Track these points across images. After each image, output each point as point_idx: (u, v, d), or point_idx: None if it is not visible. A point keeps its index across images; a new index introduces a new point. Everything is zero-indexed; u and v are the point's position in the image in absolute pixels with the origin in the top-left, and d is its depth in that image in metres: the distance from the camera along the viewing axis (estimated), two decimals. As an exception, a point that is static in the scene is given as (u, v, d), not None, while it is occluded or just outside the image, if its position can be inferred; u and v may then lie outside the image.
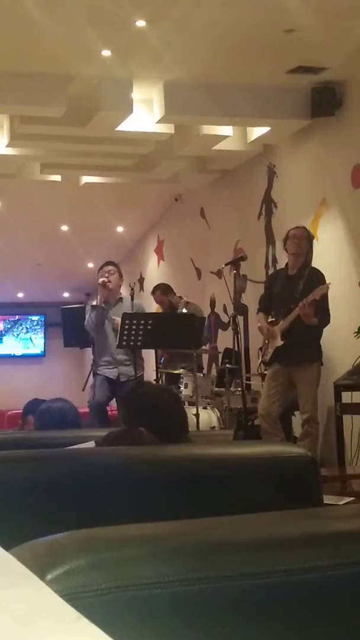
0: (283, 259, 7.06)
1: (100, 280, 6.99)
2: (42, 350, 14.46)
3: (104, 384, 6.98)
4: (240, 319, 7.51)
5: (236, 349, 6.88)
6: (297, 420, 6.65)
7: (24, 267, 12.03)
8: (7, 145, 7.60)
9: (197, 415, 6.51)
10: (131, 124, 7.12)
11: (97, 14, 5.54)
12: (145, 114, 7.16)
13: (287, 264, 6.70)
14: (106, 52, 6.17)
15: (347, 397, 6.29)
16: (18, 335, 14.63)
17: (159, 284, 8.48)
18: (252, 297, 8.49)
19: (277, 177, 8.18)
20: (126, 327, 6.55)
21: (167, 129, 7.45)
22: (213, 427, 6.86)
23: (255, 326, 7.14)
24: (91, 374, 7.35)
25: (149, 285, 11.63)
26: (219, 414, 7.02)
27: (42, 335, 14.47)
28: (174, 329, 6.85)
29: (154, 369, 7.43)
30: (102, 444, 2.47)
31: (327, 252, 7.21)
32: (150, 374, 7.83)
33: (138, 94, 6.88)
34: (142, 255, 11.91)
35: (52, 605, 0.74)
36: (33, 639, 0.66)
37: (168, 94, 6.83)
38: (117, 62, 6.31)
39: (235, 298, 7.15)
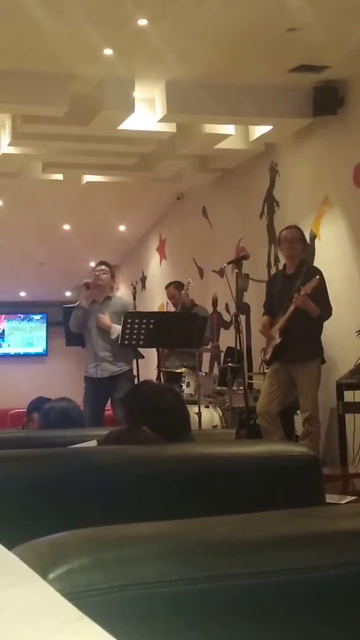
0: (285, 258, 7.05)
1: (84, 280, 7.01)
2: (44, 349, 14.46)
3: (88, 394, 6.96)
4: (242, 317, 7.52)
5: (238, 347, 6.89)
6: (299, 419, 6.65)
7: (26, 266, 12.04)
8: (9, 145, 7.60)
9: (199, 414, 6.52)
10: (133, 123, 7.12)
11: (99, 13, 5.54)
12: (147, 113, 7.16)
13: (284, 264, 6.71)
14: (108, 51, 6.17)
15: (349, 395, 6.29)
16: (20, 334, 14.63)
17: (173, 281, 8.54)
18: (254, 296, 8.49)
19: (279, 175, 8.18)
20: (128, 325, 6.56)
21: (169, 127, 7.45)
22: (215, 426, 6.86)
23: (257, 325, 7.14)
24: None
25: (151, 284, 11.65)
26: (221, 413, 7.02)
27: (45, 334, 14.47)
28: (176, 328, 6.85)
29: (156, 367, 7.43)
30: (103, 443, 2.48)
31: (329, 251, 7.21)
32: (152, 372, 7.84)
33: (140, 92, 6.88)
34: (144, 254, 11.91)
35: (54, 604, 0.74)
36: (35, 638, 0.66)
37: (170, 93, 6.83)
38: (119, 61, 6.31)
39: (238, 297, 7.15)
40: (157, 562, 0.91)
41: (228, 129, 7.66)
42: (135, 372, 7.66)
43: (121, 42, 6.02)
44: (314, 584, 0.93)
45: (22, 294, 13.90)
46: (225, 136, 7.72)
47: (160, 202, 10.58)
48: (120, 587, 0.86)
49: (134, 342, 6.67)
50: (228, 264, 7.28)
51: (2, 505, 1.75)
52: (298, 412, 6.63)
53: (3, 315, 14.47)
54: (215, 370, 8.71)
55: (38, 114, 6.97)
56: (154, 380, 6.87)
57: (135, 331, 6.56)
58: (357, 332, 6.44)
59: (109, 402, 7.03)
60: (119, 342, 6.70)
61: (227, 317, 9.05)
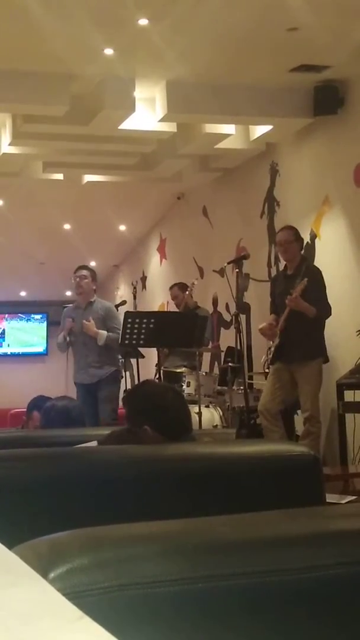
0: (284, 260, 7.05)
1: (68, 327, 6.99)
2: (45, 348, 14.46)
3: (80, 399, 6.98)
4: (242, 317, 7.52)
5: (238, 347, 6.89)
6: (299, 419, 6.65)
7: (26, 266, 12.04)
8: (10, 144, 7.60)
9: (199, 413, 6.52)
10: (133, 123, 7.12)
11: (99, 13, 5.54)
12: (148, 112, 7.16)
13: (285, 264, 6.71)
14: (109, 51, 6.17)
15: (349, 395, 6.29)
16: (21, 334, 14.63)
17: (178, 282, 8.52)
18: (254, 295, 8.49)
19: (279, 175, 8.18)
20: (128, 325, 6.56)
21: (169, 127, 7.45)
22: (215, 426, 6.86)
23: (258, 325, 7.15)
24: None
25: (152, 283, 11.65)
26: (221, 413, 7.02)
27: (45, 334, 14.48)
28: (177, 328, 6.85)
29: (155, 366, 7.43)
30: (104, 443, 2.48)
31: (330, 251, 7.21)
32: (152, 372, 7.84)
33: (140, 92, 6.88)
34: (144, 253, 11.91)
35: (54, 603, 0.74)
36: (36, 638, 0.66)
37: (170, 93, 6.83)
38: (119, 61, 6.31)
39: (238, 297, 7.15)
40: (157, 561, 0.91)
41: (228, 128, 7.66)
42: (135, 372, 7.68)
43: (122, 42, 6.02)
44: (314, 584, 0.93)
45: (23, 293, 13.90)
46: (225, 136, 7.72)
47: (161, 202, 10.58)
48: (120, 587, 0.86)
49: (134, 342, 6.68)
50: (228, 263, 7.28)
51: (2, 505, 1.75)
52: (298, 411, 6.63)
53: (4, 315, 14.47)
54: (216, 370, 8.70)
55: (38, 114, 6.97)
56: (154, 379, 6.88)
57: (135, 331, 6.57)
58: (357, 331, 6.44)
59: None
60: (119, 341, 6.71)
61: (227, 317, 9.05)
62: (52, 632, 0.67)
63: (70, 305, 7.31)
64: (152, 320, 6.63)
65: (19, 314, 14.59)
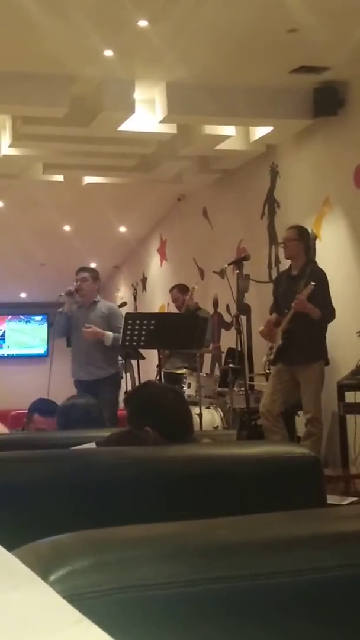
0: (286, 259, 7.05)
1: (67, 288, 7.04)
2: (45, 350, 14.46)
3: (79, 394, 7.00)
4: (243, 318, 7.51)
5: (239, 348, 6.88)
6: (300, 420, 6.65)
7: (27, 268, 12.04)
8: (10, 146, 7.60)
9: (200, 415, 6.51)
10: (133, 124, 7.12)
11: (99, 15, 5.54)
12: (148, 114, 7.16)
13: (290, 264, 6.71)
14: (108, 53, 6.17)
15: (350, 396, 6.28)
16: (21, 335, 14.63)
17: (177, 284, 8.49)
18: (255, 297, 8.48)
19: (279, 176, 8.18)
20: (129, 327, 6.57)
21: (169, 129, 7.45)
22: (216, 427, 6.86)
23: (258, 326, 7.14)
24: None
25: (152, 285, 11.65)
26: (222, 414, 7.02)
27: (45, 335, 14.48)
28: (177, 329, 6.84)
29: (157, 367, 7.43)
30: (105, 445, 2.47)
31: (330, 252, 7.20)
32: (152, 373, 7.84)
33: (140, 94, 6.88)
34: (144, 255, 11.91)
35: (54, 606, 0.74)
36: (36, 641, 0.66)
37: (170, 94, 6.83)
38: (119, 63, 6.31)
39: (238, 298, 7.15)
40: (158, 564, 0.91)
41: (228, 130, 7.66)
42: (135, 374, 7.67)
43: (121, 44, 6.02)
44: (315, 586, 0.93)
45: (23, 295, 13.90)
46: (225, 137, 7.72)
47: (161, 203, 10.58)
48: (121, 589, 0.86)
49: (134, 343, 6.68)
50: (229, 264, 7.28)
51: (3, 507, 1.75)
52: (299, 412, 6.63)
53: (4, 317, 14.47)
54: (217, 371, 8.70)
55: (38, 115, 6.97)
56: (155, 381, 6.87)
57: (136, 332, 6.57)
58: (358, 332, 6.43)
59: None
60: (120, 342, 6.72)
61: (228, 318, 9.05)
62: (52, 635, 0.67)
63: (62, 307, 7.29)
64: (153, 322, 6.63)
65: (19, 316, 14.59)
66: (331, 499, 3.83)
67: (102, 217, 10.25)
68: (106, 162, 8.46)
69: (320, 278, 6.32)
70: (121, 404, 7.22)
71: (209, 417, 6.88)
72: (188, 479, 1.93)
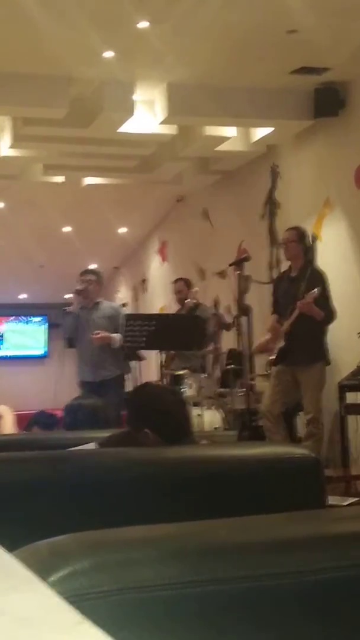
0: (286, 260, 7.05)
1: (76, 288, 7.07)
2: (45, 351, 14.46)
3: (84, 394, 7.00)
4: (244, 319, 7.50)
5: (240, 349, 6.88)
6: (301, 420, 6.65)
7: (26, 269, 12.04)
8: (10, 147, 7.60)
9: (201, 415, 6.51)
10: (133, 125, 7.12)
11: (99, 16, 5.54)
12: (148, 115, 7.16)
13: (290, 266, 6.71)
14: (108, 54, 6.17)
15: (351, 397, 6.28)
16: (20, 336, 14.63)
17: (184, 277, 8.48)
18: (256, 297, 8.48)
19: (280, 177, 8.17)
20: (129, 328, 6.56)
21: (169, 130, 7.45)
22: (217, 428, 6.86)
23: (260, 327, 7.15)
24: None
25: (152, 286, 11.65)
26: (223, 415, 7.02)
27: (45, 336, 14.48)
28: (177, 330, 6.84)
29: (157, 369, 7.42)
30: (105, 446, 2.47)
31: (331, 253, 7.20)
32: (152, 374, 7.83)
33: (140, 95, 6.88)
34: (145, 256, 11.91)
35: (54, 607, 0.74)
36: (35, 642, 0.66)
37: (171, 95, 6.83)
38: (119, 64, 6.31)
39: (239, 299, 7.14)
40: (157, 565, 0.91)
41: (229, 130, 7.66)
42: (137, 375, 7.66)
43: (122, 45, 6.02)
44: (315, 587, 0.93)
45: (23, 296, 13.90)
46: (226, 138, 7.72)
47: (161, 205, 10.58)
48: (120, 590, 0.86)
49: (135, 344, 6.68)
50: (230, 265, 7.29)
51: (2, 508, 1.75)
52: (300, 413, 6.63)
53: (3, 317, 14.47)
54: (217, 372, 8.69)
55: (39, 117, 6.97)
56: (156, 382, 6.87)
57: (136, 333, 6.57)
58: (358, 333, 6.43)
59: None
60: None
61: (228, 319, 9.03)
62: (52, 636, 0.67)
63: (70, 307, 7.31)
64: (153, 323, 6.63)
65: (19, 317, 14.59)
66: (332, 500, 3.83)
67: (102, 218, 10.25)
68: (106, 163, 8.46)
69: (320, 279, 6.33)
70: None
71: (210, 418, 6.88)
72: (188, 480, 1.93)
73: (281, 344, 6.39)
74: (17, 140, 7.47)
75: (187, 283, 8.20)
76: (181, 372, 7.28)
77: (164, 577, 0.88)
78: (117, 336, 6.84)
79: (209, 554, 0.95)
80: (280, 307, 6.59)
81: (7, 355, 14.41)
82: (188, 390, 7.06)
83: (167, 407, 2.56)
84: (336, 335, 6.59)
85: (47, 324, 14.39)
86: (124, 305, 8.45)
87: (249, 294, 8.54)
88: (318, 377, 6.29)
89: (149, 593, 0.86)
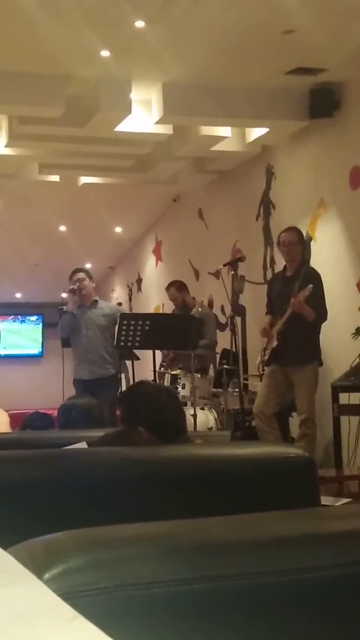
0: (281, 260, 7.06)
1: (70, 287, 7.08)
2: (40, 350, 14.45)
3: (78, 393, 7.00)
4: (238, 319, 7.51)
5: (234, 349, 6.88)
6: (294, 421, 6.65)
7: (21, 268, 12.03)
8: (6, 146, 7.59)
9: (194, 415, 6.51)
10: (130, 125, 7.12)
11: (96, 15, 5.54)
12: (144, 114, 7.16)
13: (285, 265, 6.71)
14: (105, 53, 6.17)
15: (344, 398, 6.29)
16: (16, 335, 14.62)
17: (174, 281, 8.37)
18: (250, 298, 8.49)
19: (275, 178, 8.18)
20: (124, 327, 6.57)
21: (165, 129, 7.45)
22: (210, 428, 6.86)
23: (253, 327, 7.15)
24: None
25: (147, 285, 11.65)
26: (216, 415, 7.02)
27: (40, 335, 14.47)
28: (172, 330, 6.85)
29: (152, 369, 7.42)
30: (98, 445, 2.47)
31: (325, 253, 7.21)
32: (147, 374, 7.82)
33: (137, 94, 6.88)
34: (140, 256, 11.91)
35: (49, 604, 0.74)
36: (30, 638, 0.66)
37: (167, 95, 6.83)
38: (115, 63, 6.31)
39: (233, 299, 7.15)
40: (152, 562, 0.91)
41: (224, 130, 7.66)
42: (130, 374, 7.67)
43: (118, 44, 6.02)
44: (309, 585, 0.93)
45: (18, 295, 13.89)
46: (221, 138, 7.72)
47: (157, 204, 10.58)
48: (116, 588, 0.86)
49: (129, 344, 6.69)
50: (224, 265, 7.29)
51: (-3, 506, 1.75)
52: (293, 414, 6.63)
53: (-1, 317, 14.47)
54: (211, 372, 8.70)
55: (34, 115, 6.96)
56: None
57: (130, 333, 6.57)
58: (352, 334, 6.44)
59: None
60: (115, 344, 6.72)
61: (222, 319, 9.05)
62: (47, 633, 0.67)
63: (66, 306, 7.32)
64: (148, 322, 6.63)
65: (14, 316, 14.58)
66: (325, 500, 3.83)
67: (98, 217, 10.25)
68: (102, 162, 8.46)
69: (315, 279, 6.33)
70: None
71: (203, 418, 6.88)
72: (182, 479, 1.93)
73: (274, 344, 6.39)
74: (13, 138, 7.47)
75: (179, 287, 8.16)
76: (175, 372, 7.28)
77: (159, 574, 0.89)
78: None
79: (204, 551, 0.96)
80: (274, 307, 6.59)
81: (2, 355, 14.39)
82: (182, 390, 7.07)
83: (162, 405, 2.56)
84: (330, 335, 6.60)
85: (42, 324, 14.38)
86: (118, 305, 8.46)
87: (243, 294, 8.56)
88: (311, 377, 6.29)
89: (145, 590, 0.87)
